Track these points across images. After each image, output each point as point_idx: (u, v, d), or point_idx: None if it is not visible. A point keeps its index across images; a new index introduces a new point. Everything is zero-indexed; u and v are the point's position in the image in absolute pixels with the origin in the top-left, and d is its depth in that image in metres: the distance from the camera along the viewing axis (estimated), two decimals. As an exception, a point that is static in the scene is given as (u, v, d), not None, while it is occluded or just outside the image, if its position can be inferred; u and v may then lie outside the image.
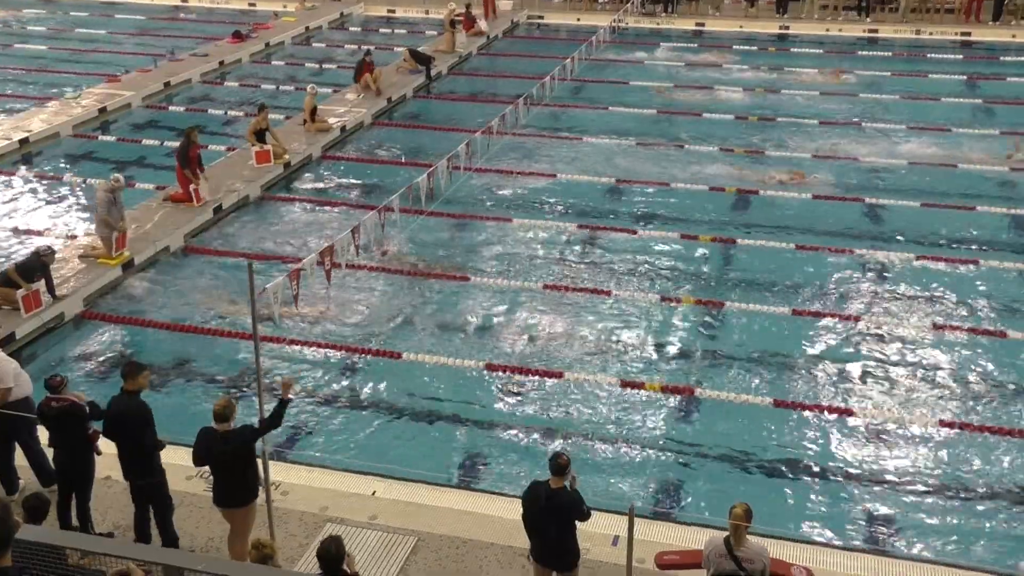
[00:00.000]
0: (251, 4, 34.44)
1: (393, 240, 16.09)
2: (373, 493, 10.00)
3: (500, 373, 12.51)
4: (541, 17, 31.74)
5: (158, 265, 15.49)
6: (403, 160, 19.76)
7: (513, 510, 8.35)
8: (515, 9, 31.94)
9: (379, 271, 15.22)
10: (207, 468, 8.88)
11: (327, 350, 13.07)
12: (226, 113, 22.99)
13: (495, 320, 13.76)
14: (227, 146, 20.27)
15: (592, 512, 8.04)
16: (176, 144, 17.37)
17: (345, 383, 12.49)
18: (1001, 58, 26.05)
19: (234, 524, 8.78)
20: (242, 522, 8.75)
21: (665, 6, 31.61)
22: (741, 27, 29.91)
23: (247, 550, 7.72)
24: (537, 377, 12.41)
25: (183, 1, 35.25)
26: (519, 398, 12.12)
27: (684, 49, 27.98)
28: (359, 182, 19.09)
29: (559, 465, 7.85)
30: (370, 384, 12.45)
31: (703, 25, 30.23)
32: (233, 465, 8.51)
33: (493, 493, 10.16)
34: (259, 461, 8.67)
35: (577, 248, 16.01)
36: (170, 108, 23.28)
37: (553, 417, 11.72)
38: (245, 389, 12.13)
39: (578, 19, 31.05)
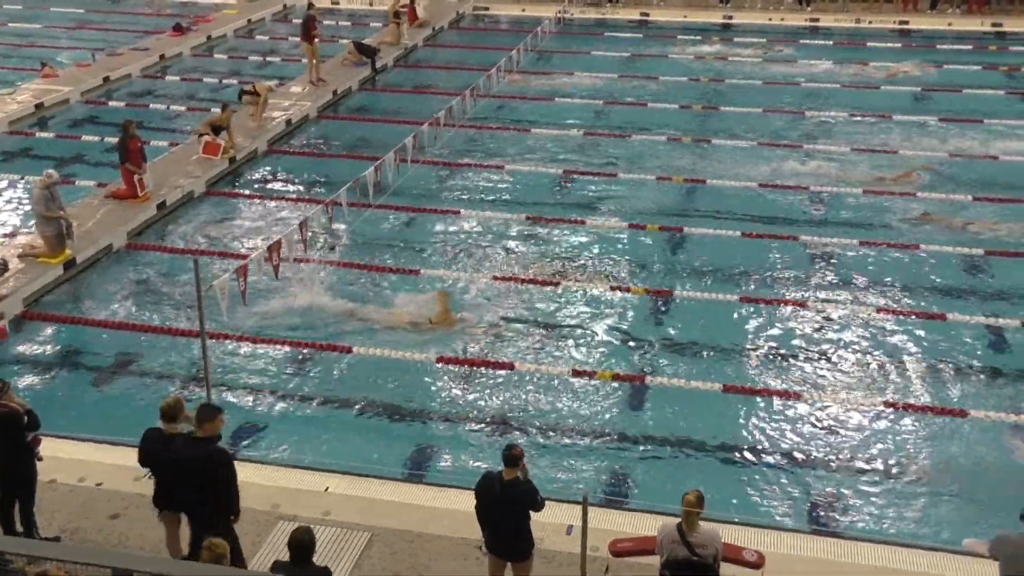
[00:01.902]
0: (191, -4, 33.88)
1: (341, 234, 15.98)
2: (326, 489, 9.94)
3: (451, 366, 12.48)
4: (487, 8, 31.65)
5: (101, 264, 15.21)
6: (350, 153, 19.60)
7: (467, 502, 8.36)
8: (461, 0, 31.81)
9: (328, 265, 15.10)
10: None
11: (276, 345, 12.94)
12: (168, 108, 22.63)
13: (445, 312, 13.69)
14: (170, 141, 19.95)
15: (546, 501, 8.07)
16: (116, 140, 17.07)
17: (295, 378, 12.38)
18: (938, 46, 26.50)
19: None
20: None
21: (609, -4, 31.72)
22: (685, 16, 30.08)
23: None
24: (488, 368, 12.40)
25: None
26: (471, 390, 12.11)
27: (629, 39, 28.08)
28: (306, 176, 18.92)
29: (512, 456, 7.86)
30: (321, 379, 12.36)
31: (647, 15, 30.36)
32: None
33: (446, 486, 10.14)
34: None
35: (526, 239, 16.02)
36: (110, 103, 22.82)
37: (505, 408, 11.73)
38: (195, 388, 11.97)
39: (523, 9, 31.00)
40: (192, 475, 8.04)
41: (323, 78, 23.13)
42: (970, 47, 26.35)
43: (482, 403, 11.85)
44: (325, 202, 15.10)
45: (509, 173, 18.64)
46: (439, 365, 12.48)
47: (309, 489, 9.92)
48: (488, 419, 11.55)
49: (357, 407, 11.78)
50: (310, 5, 23.84)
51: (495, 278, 14.59)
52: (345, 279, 14.70)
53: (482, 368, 12.43)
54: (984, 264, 14.84)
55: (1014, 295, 13.97)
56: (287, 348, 12.90)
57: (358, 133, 21.07)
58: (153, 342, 13.14)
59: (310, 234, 14.45)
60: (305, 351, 12.83)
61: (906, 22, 28.84)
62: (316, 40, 22.83)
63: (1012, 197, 16.95)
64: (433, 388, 12.17)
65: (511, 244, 15.85)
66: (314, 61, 23.02)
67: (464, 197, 17.68)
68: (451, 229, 16.38)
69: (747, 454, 10.88)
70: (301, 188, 18.40)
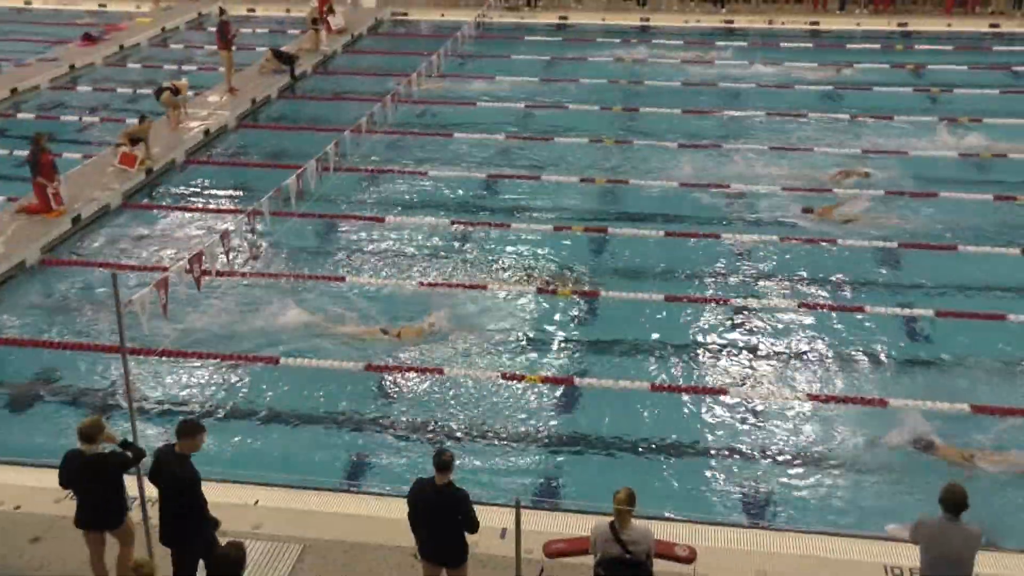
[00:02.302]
0: (101, 5, 33.11)
1: (264, 244, 15.77)
2: (255, 502, 9.79)
3: (380, 373, 12.40)
4: (405, 13, 31.56)
5: (14, 280, 14.77)
6: (271, 162, 19.35)
7: (399, 510, 8.30)
8: (379, 6, 31.66)
9: (251, 276, 14.89)
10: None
11: (201, 359, 12.70)
12: (80, 119, 22.09)
13: (373, 320, 13.61)
14: (84, 153, 19.47)
15: (479, 507, 8.07)
16: (27, 153, 16.61)
17: (221, 392, 12.18)
18: (847, 45, 27.19)
19: (120, 541, 8.51)
20: (122, 544, 8.49)
21: (528, 1, 31.84)
22: (603, 19, 30.38)
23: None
24: (418, 375, 12.35)
25: (26, 3, 33.64)
26: (401, 397, 12.04)
27: (548, 42, 28.24)
28: (226, 186, 18.62)
29: (444, 462, 7.83)
30: (247, 391, 12.17)
31: (566, 18, 30.59)
32: (99, 487, 8.21)
33: (379, 494, 10.08)
34: (132, 478, 8.39)
35: (452, 244, 16.00)
36: (18, 116, 22.18)
37: (435, 414, 11.69)
38: (115, 406, 11.69)
39: (442, 15, 30.99)
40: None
41: (234, 87, 22.81)
42: (878, 46, 27.11)
43: (413, 410, 11.80)
44: (247, 212, 14.88)
45: (433, 178, 18.60)
46: (368, 373, 12.39)
47: (238, 503, 9.75)
48: (419, 425, 11.50)
49: (286, 419, 11.62)
50: (222, 11, 23.48)
51: (421, 284, 14.54)
52: (271, 288, 14.49)
53: (411, 374, 12.37)
54: (899, 257, 15.25)
55: (927, 286, 14.38)
56: (212, 362, 12.67)
57: (278, 142, 20.82)
58: (71, 359, 12.80)
59: (232, 244, 14.23)
60: (231, 364, 12.62)
61: (817, 23, 29.55)
62: (233, 47, 22.52)
63: (924, 191, 17.44)
64: (363, 396, 12.07)
65: (437, 249, 15.82)
66: (232, 70, 22.70)
67: (388, 203, 17.58)
68: (376, 236, 16.28)
69: (677, 451, 11.01)
70: (221, 198, 18.11)
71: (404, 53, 26.60)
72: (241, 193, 18.02)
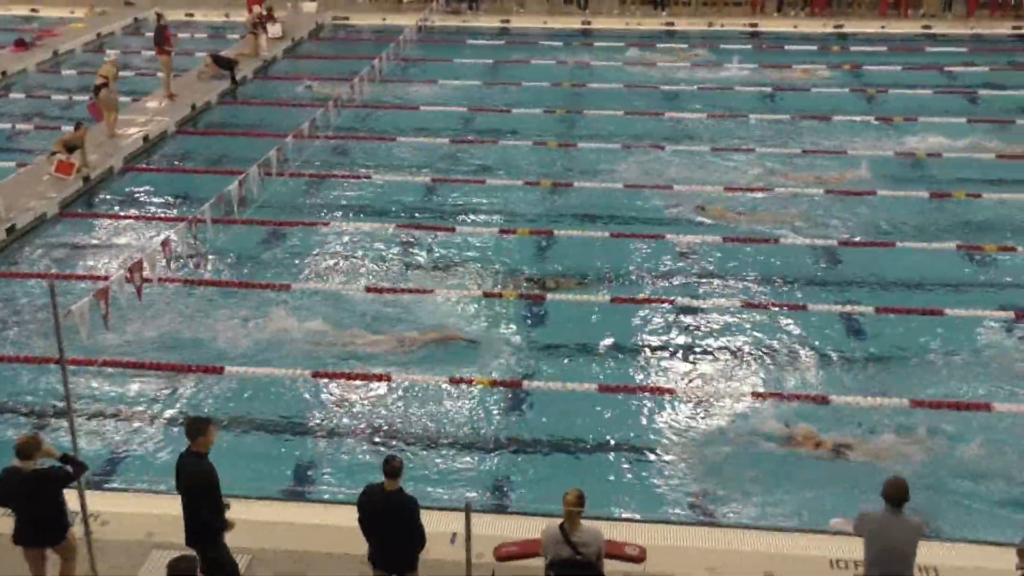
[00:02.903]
0: (33, 10, 32.42)
1: (206, 252, 15.56)
2: (202, 514, 9.63)
3: (327, 380, 12.31)
4: (347, 18, 31.36)
5: (-53, 293, 14.43)
6: (212, 168, 19.11)
7: (349, 517, 8.24)
8: (320, 10, 31.43)
9: (194, 284, 14.68)
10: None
11: (144, 370, 12.49)
12: (13, 127, 21.60)
13: (319, 326, 13.49)
14: (18, 162, 19.05)
15: (429, 512, 8.05)
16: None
17: (166, 403, 11.99)
18: (785, 47, 27.60)
19: (62, 557, 8.33)
20: (64, 559, 8.32)
21: (470, 4, 31.86)
22: (545, 23, 30.48)
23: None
24: (365, 381, 12.28)
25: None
26: (349, 404, 11.96)
27: (491, 46, 28.27)
28: (166, 193, 18.33)
29: (393, 468, 7.81)
30: (193, 402, 11.99)
31: (508, 21, 30.65)
32: (39, 504, 8.04)
33: (329, 502, 10.00)
34: (73, 492, 8.23)
35: (397, 249, 15.93)
36: (-52, 124, 21.68)
37: (384, 420, 11.63)
38: (52, 419, 11.45)
39: (384, 19, 30.85)
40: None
41: (173, 92, 22.50)
42: (815, 47, 27.55)
43: (361, 416, 11.73)
44: (188, 219, 14.66)
45: (377, 183, 18.51)
46: (315, 380, 12.29)
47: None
48: (368, 432, 11.43)
49: (232, 428, 11.47)
50: (159, 16, 23.13)
51: (368, 289, 14.45)
52: (212, 297, 14.31)
53: (359, 381, 12.29)
54: (839, 255, 15.50)
55: (867, 283, 14.64)
56: (156, 372, 12.47)
57: (220, 148, 20.57)
58: (8, 372, 12.52)
59: (174, 252, 14.02)
60: (175, 374, 12.43)
61: (755, 24, 29.94)
62: (172, 52, 22.21)
63: (863, 190, 17.74)
64: (310, 404, 11.97)
65: (382, 254, 15.74)
66: (171, 75, 22.38)
67: (332, 209, 17.47)
68: (321, 241, 16.16)
69: (626, 451, 11.06)
70: (162, 206, 17.83)
71: (346, 57, 26.43)
72: (182, 200, 17.76)
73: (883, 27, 29.48)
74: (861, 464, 10.68)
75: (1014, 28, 29.37)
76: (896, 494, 7.41)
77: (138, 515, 9.57)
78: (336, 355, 12.86)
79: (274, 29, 27.80)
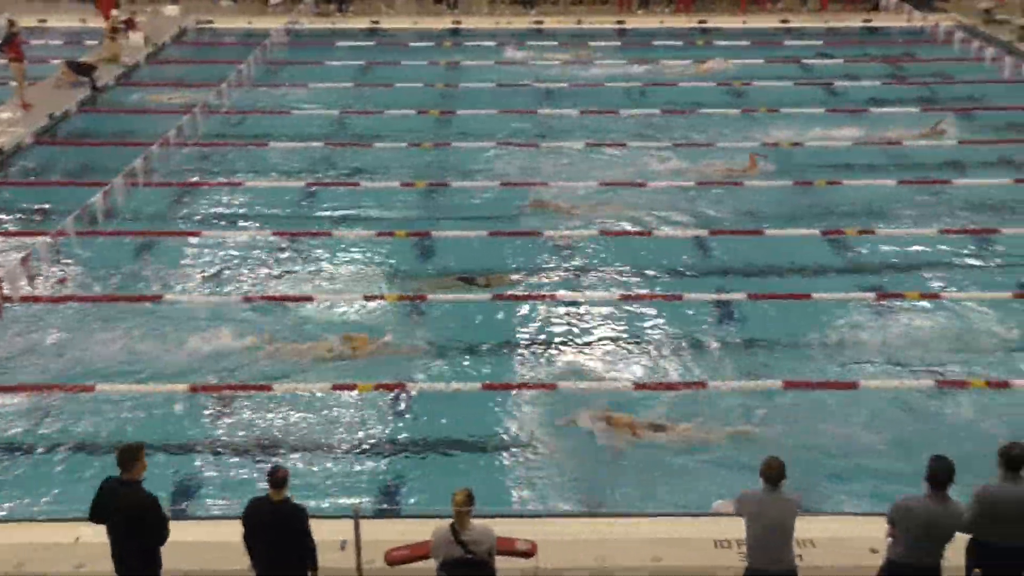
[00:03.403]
0: None
1: (71, 266, 14.97)
2: (76, 540, 9.27)
3: (206, 393, 11.99)
4: (211, 22, 30.57)
5: None
6: (74, 180, 18.38)
7: (235, 533, 8.06)
8: (182, 14, 30.58)
9: (58, 301, 14.10)
10: None
11: (6, 394, 11.94)
12: None
13: (195, 338, 13.14)
14: None
15: (318, 521, 7.93)
16: None
17: (31, 426, 11.47)
18: (653, 42, 28.21)
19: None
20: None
21: (339, 6, 31.50)
22: (415, 23, 30.38)
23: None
24: (246, 392, 12.02)
25: None
26: (230, 417, 11.69)
27: (361, 47, 28.01)
28: (25, 207, 17.54)
29: (278, 478, 7.69)
30: (61, 424, 11.52)
31: (378, 23, 30.43)
32: None
33: (213, 519, 9.76)
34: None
35: (274, 255, 15.64)
36: None
37: (268, 431, 11.41)
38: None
39: (250, 22, 30.20)
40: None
41: (27, 102, 21.57)
42: (681, 43, 28.24)
43: (243, 428, 11.47)
44: (50, 233, 14.09)
45: (249, 189, 18.13)
46: (193, 394, 11.96)
47: (58, 542, 9.23)
48: (252, 444, 11.19)
49: (105, 449, 11.05)
50: (11, 23, 22.12)
51: (246, 298, 14.15)
52: (79, 313, 13.77)
53: (240, 392, 12.02)
54: (710, 244, 15.93)
55: (738, 271, 15.09)
56: (20, 394, 11.94)
57: (81, 158, 19.79)
58: None
59: (35, 268, 13.46)
60: (41, 396, 11.92)
61: (623, 22, 30.50)
62: (24, 59, 21.28)
63: (731, 181, 18.28)
64: (189, 419, 11.65)
65: (259, 262, 15.43)
66: (24, 83, 21.44)
67: (205, 218, 17.03)
68: (194, 251, 15.73)
69: (511, 447, 11.12)
70: (21, 220, 17.04)
71: (212, 62, 25.79)
72: (43, 214, 17.02)
73: (744, 22, 30.44)
74: (738, 447, 11.02)
75: (865, 21, 30.74)
76: (773, 473, 7.67)
77: (8, 545, 9.17)
78: (214, 367, 12.54)
79: (135, 35, 26.93)
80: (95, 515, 7.95)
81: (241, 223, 16.82)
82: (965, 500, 7.76)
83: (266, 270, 15.16)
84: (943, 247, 15.76)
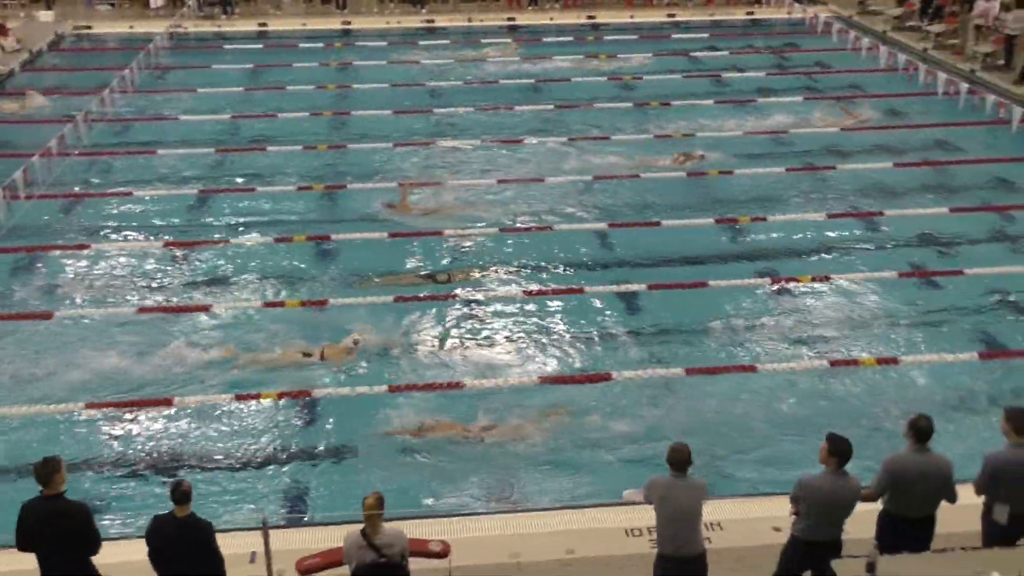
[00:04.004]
0: None
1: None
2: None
3: (104, 410, 11.63)
4: (89, 27, 29.61)
5: None
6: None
7: (139, 551, 7.85)
8: (58, 19, 29.53)
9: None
10: None
11: None
12: None
13: (90, 354, 12.74)
14: None
15: (225, 534, 7.78)
16: None
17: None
18: (543, 39, 28.40)
19: None
20: None
21: (224, 8, 30.86)
22: (304, 24, 29.98)
23: None
24: (146, 408, 11.69)
25: None
26: (130, 432, 11.36)
27: (250, 50, 27.51)
28: None
29: (182, 493, 7.52)
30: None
31: (266, 25, 29.93)
32: None
33: (115, 539, 9.45)
34: None
35: (168, 266, 15.26)
36: None
37: (169, 446, 11.14)
38: None
39: (131, 27, 29.37)
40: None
41: None
42: (571, 39, 28.52)
43: (145, 444, 11.17)
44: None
45: (140, 199, 17.63)
46: (90, 412, 11.59)
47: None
48: (154, 460, 10.91)
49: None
50: None
51: (140, 310, 13.77)
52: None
53: (138, 408, 11.69)
54: (610, 237, 16.14)
55: (636, 262, 15.33)
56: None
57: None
58: None
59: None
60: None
61: (513, 18, 30.65)
62: None
63: (627, 174, 18.53)
64: (87, 438, 11.29)
65: (153, 273, 15.03)
66: None
67: (93, 229, 16.49)
68: (83, 265, 15.24)
69: (420, 448, 11.07)
70: None
71: (93, 69, 24.98)
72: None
73: (632, 16, 30.91)
74: (642, 436, 11.20)
75: (748, 14, 31.56)
76: (679, 459, 7.82)
77: None
78: (112, 383, 12.17)
79: (8, 41, 25.91)
80: (23, 542, 7.66)
81: (132, 234, 16.34)
82: (866, 476, 8.05)
83: (161, 280, 14.77)
84: (831, 231, 16.30)
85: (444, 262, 15.35)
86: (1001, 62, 24.37)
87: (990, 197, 17.61)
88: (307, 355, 12.73)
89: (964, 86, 22.07)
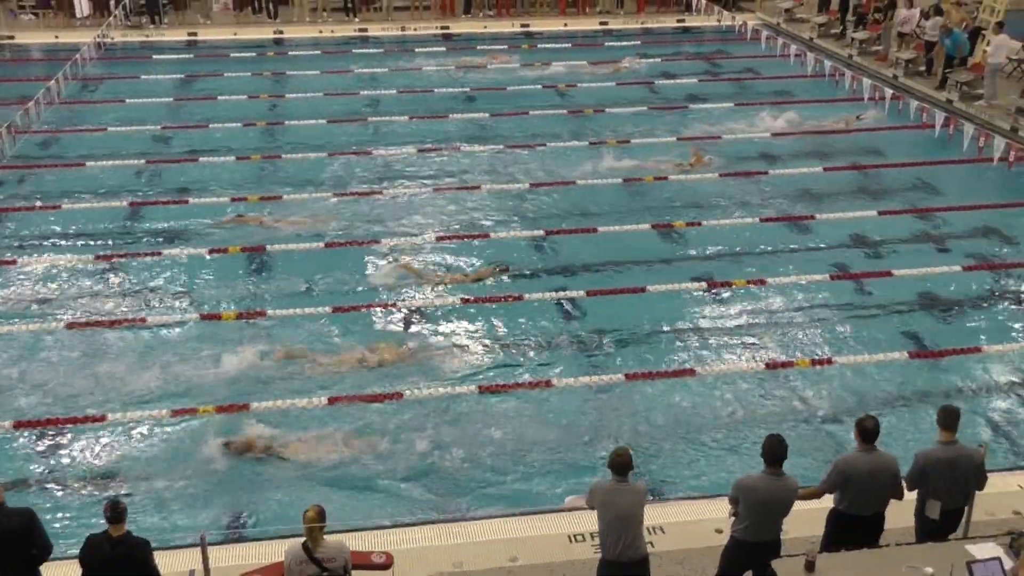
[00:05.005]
0: None
1: None
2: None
3: (33, 429, 11.34)
4: (11, 37, 28.91)
5: None
6: None
7: (71, 574, 7.67)
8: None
9: None
10: None
11: None
12: None
13: (16, 372, 12.42)
14: None
15: (163, 552, 7.64)
16: None
17: None
18: (477, 47, 28.43)
19: None
20: None
21: (152, 18, 30.37)
22: (235, 34, 29.64)
23: None
24: (76, 425, 11.41)
25: None
26: (61, 452, 11.10)
27: (180, 60, 27.11)
28: None
29: (117, 513, 7.37)
30: None
31: (196, 35, 29.52)
32: None
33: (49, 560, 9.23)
34: None
35: (99, 280, 14.94)
36: None
37: (103, 464, 10.90)
38: None
39: (56, 37, 28.74)
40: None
41: None
42: (506, 46, 28.61)
43: (77, 463, 10.93)
44: None
45: (68, 213, 17.23)
46: (17, 431, 11.29)
47: None
48: (86, 479, 10.66)
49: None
50: None
51: (70, 325, 13.46)
52: None
53: (68, 426, 11.42)
54: (547, 245, 16.20)
55: (575, 268, 15.41)
56: None
57: None
58: None
59: None
60: None
61: (447, 27, 30.65)
62: None
63: (563, 181, 18.64)
64: (16, 457, 11.01)
65: (84, 288, 14.71)
66: None
67: (19, 245, 16.08)
68: (9, 281, 14.85)
69: (356, 460, 10.96)
70: None
71: (16, 80, 24.40)
72: None
73: (565, 25, 31.13)
74: (584, 443, 11.25)
75: (679, 22, 31.99)
76: (619, 462, 7.87)
77: None
78: (42, 400, 11.88)
79: None
80: None
81: (61, 248, 15.97)
82: (805, 475, 8.19)
83: (92, 296, 14.46)
84: (765, 235, 16.56)
85: (380, 272, 15.24)
86: (922, 68, 25.06)
87: (915, 199, 18.07)
88: (360, 359, 12.78)
89: (888, 92, 22.61)
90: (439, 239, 16.24)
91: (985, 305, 14.51)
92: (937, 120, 20.66)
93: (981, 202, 17.60)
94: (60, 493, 10.47)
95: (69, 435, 11.34)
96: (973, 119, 21.16)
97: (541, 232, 16.49)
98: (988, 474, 8.44)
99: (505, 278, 15.09)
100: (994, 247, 16.22)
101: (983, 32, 24.88)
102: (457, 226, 16.85)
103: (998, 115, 21.67)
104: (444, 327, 13.78)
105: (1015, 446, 11.35)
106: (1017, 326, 13.87)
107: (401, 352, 13.00)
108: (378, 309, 14.13)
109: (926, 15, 25.25)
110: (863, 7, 28.66)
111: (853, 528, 8.13)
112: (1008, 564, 6.91)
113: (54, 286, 14.75)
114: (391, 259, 15.67)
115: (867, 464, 8.06)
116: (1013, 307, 14.45)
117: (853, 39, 27.78)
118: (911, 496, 8.37)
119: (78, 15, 30.40)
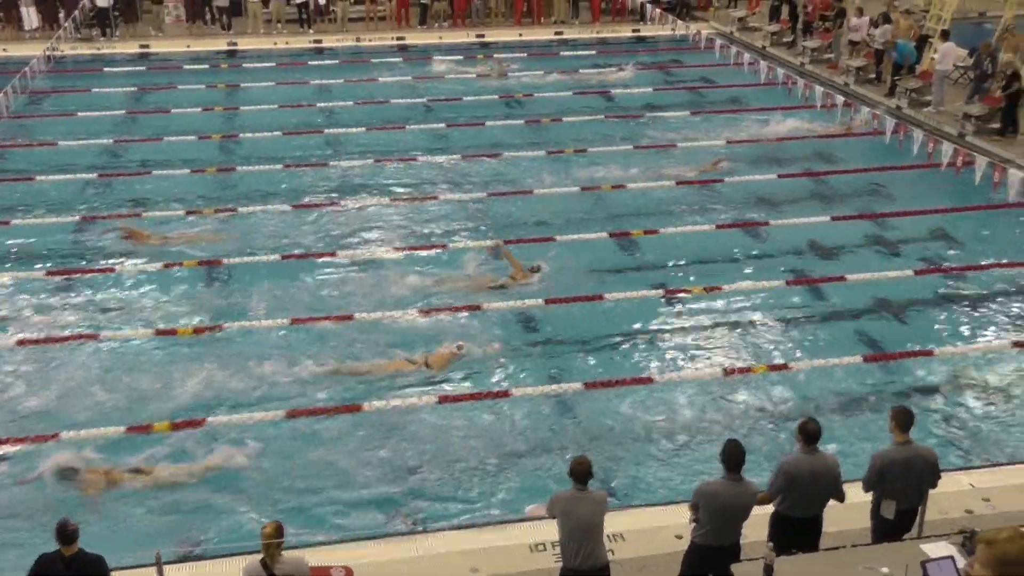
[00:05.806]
0: None
1: None
2: None
3: (-11, 449, 11.15)
4: (-44, 49, 28.46)
5: None
6: None
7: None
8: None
9: None
10: None
11: None
12: None
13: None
14: None
15: (119, 572, 7.52)
16: None
17: None
18: (434, 57, 28.42)
19: None
20: None
21: (103, 30, 29.99)
22: (188, 46, 29.39)
23: None
24: (30, 444, 11.21)
25: None
26: (14, 470, 10.89)
27: (132, 73, 26.81)
28: None
29: (69, 533, 7.25)
30: None
31: (148, 47, 29.22)
32: None
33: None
34: None
35: (51, 296, 14.70)
36: None
37: (62, 483, 10.69)
38: None
39: (4, 50, 28.30)
40: None
41: None
42: (461, 57, 28.64)
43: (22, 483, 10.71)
44: None
45: (18, 228, 16.95)
46: (-33, 452, 11.10)
47: None
48: (34, 500, 10.45)
49: None
50: None
51: (21, 342, 13.24)
52: None
53: (22, 445, 11.20)
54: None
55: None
56: None
57: None
58: None
59: None
60: None
61: (403, 38, 30.61)
62: None
63: (520, 190, 18.67)
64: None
65: (35, 304, 14.45)
66: None
67: (-33, 261, 15.83)
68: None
69: (316, 474, 10.88)
70: None
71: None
72: None
73: (520, 35, 31.22)
74: (540, 452, 11.24)
75: (633, 31, 32.21)
76: (580, 471, 7.89)
77: None
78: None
79: None
80: None
81: (10, 265, 15.71)
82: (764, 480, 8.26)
83: (44, 312, 14.20)
84: (720, 242, 16.69)
85: (338, 285, 15.15)
86: (872, 76, 25.45)
87: (866, 205, 18.32)
88: (412, 362, 12.83)
89: (840, 99, 22.92)
90: (396, 249, 16.18)
91: (936, 308, 14.73)
92: (887, 126, 20.97)
93: (930, 207, 17.88)
94: (8, 513, 10.26)
95: (22, 450, 11.12)
96: (922, 125, 21.51)
97: (500, 241, 16.46)
98: (941, 473, 8.57)
99: (460, 288, 15.03)
100: (943, 250, 16.49)
101: (930, 40, 25.32)
102: (415, 238, 16.79)
103: (946, 121, 22.06)
104: (402, 339, 13.70)
105: (966, 446, 11.53)
106: (967, 328, 14.10)
107: (359, 366, 12.92)
108: (334, 321, 13.99)
109: (875, 23, 25.66)
110: (807, 15, 29.08)
111: (794, 530, 8.20)
112: (961, 562, 7.00)
113: (4, 303, 14.48)
114: (342, 269, 15.54)
115: (809, 465, 8.15)
116: (963, 309, 14.68)
117: (804, 48, 28.15)
118: (858, 497, 8.46)
119: (27, 27, 29.97)
